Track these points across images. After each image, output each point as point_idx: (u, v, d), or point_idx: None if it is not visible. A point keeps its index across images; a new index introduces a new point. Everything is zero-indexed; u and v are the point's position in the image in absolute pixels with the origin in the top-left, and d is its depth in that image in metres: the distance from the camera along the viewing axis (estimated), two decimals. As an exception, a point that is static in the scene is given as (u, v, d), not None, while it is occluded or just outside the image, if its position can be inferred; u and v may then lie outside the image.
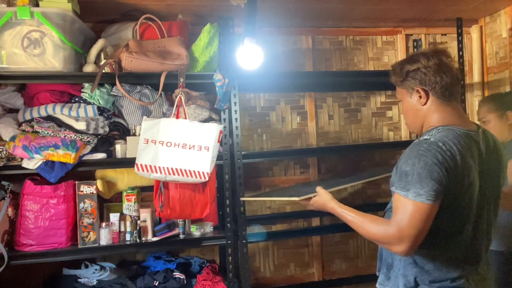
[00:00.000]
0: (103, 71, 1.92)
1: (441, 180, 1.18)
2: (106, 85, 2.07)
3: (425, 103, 1.32)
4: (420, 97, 1.32)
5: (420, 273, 1.30)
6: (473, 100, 2.87)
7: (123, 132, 2.15)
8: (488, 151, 1.32)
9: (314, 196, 1.53)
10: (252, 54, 2.05)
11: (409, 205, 1.19)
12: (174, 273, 2.21)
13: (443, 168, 1.18)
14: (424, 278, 1.30)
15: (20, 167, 1.89)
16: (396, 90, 1.42)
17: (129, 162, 1.97)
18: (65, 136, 1.95)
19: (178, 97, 1.98)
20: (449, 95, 1.31)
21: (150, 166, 1.90)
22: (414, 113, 1.36)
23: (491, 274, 1.40)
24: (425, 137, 1.25)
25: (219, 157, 2.05)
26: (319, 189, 1.53)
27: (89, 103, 2.04)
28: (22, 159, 1.89)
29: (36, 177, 1.98)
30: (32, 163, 1.88)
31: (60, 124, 1.99)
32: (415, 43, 2.78)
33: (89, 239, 1.99)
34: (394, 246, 1.22)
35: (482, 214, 1.31)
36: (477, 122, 2.02)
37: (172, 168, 1.91)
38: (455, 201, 1.23)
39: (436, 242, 1.28)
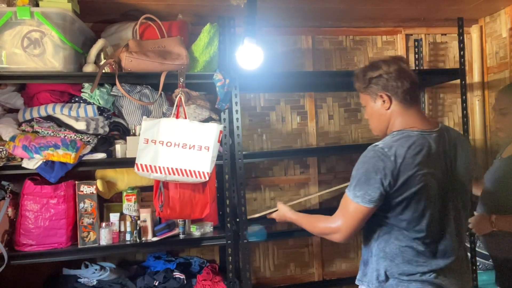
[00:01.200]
0: (103, 71, 1.92)
1: (378, 186, 1.30)
2: (106, 85, 2.07)
3: (389, 108, 1.41)
4: (384, 102, 1.41)
5: (390, 267, 1.39)
6: (473, 100, 2.87)
7: (123, 132, 2.15)
8: (449, 147, 1.40)
9: (276, 210, 1.79)
10: (252, 54, 2.05)
11: (348, 203, 1.37)
12: (174, 273, 2.21)
13: (383, 174, 1.30)
14: (394, 271, 1.38)
15: (20, 167, 1.89)
16: (360, 96, 1.51)
17: (129, 162, 1.96)
18: (65, 136, 1.95)
19: (178, 97, 1.98)
20: (410, 99, 1.40)
21: (150, 166, 1.90)
22: (378, 117, 1.45)
23: (468, 272, 1.49)
24: (377, 143, 1.37)
25: (219, 157, 2.05)
26: (278, 204, 1.79)
27: (89, 103, 2.04)
28: (22, 159, 1.89)
29: (36, 177, 1.98)
30: (32, 163, 1.88)
31: (60, 124, 1.99)
32: (416, 42, 2.78)
33: (89, 239, 1.99)
34: (332, 236, 1.41)
35: (447, 209, 1.39)
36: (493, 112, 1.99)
37: (172, 168, 1.91)
38: (408, 199, 1.32)
39: (402, 237, 1.37)
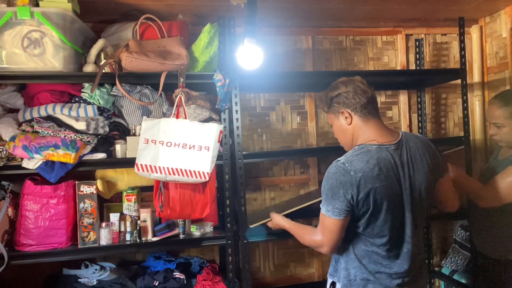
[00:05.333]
0: (103, 71, 1.92)
1: (343, 200, 1.40)
2: (106, 85, 2.07)
3: (350, 123, 1.54)
4: (346, 118, 1.54)
5: (359, 267, 1.51)
6: (473, 100, 2.87)
7: (123, 132, 2.15)
8: (408, 156, 1.48)
9: (270, 220, 1.93)
10: (252, 54, 2.05)
11: (323, 218, 1.48)
12: (174, 273, 2.21)
13: (345, 189, 1.40)
14: (362, 271, 1.50)
15: (20, 167, 1.89)
16: (327, 116, 1.66)
17: (129, 162, 1.96)
18: (65, 136, 1.95)
19: (178, 97, 1.98)
20: (368, 113, 1.52)
21: (150, 166, 1.90)
22: (344, 133, 1.58)
23: (425, 276, 1.63)
24: (339, 158, 1.47)
25: (219, 157, 2.05)
26: (271, 214, 1.92)
27: (89, 103, 2.04)
28: (22, 159, 1.89)
29: (36, 177, 1.98)
30: (32, 163, 1.88)
31: (60, 124, 1.99)
32: (417, 42, 2.78)
33: (89, 239, 1.99)
34: (319, 249, 1.53)
35: (405, 216, 1.48)
36: (488, 123, 2.01)
37: (172, 168, 1.91)
38: (370, 211, 1.42)
39: (369, 243, 1.49)
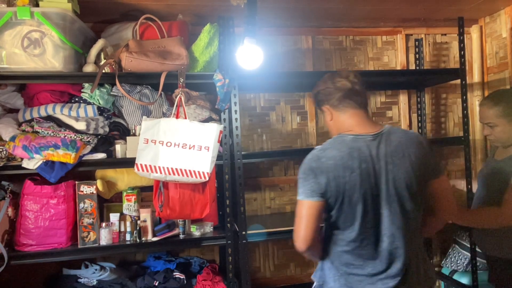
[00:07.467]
0: (103, 71, 1.92)
1: (314, 181, 1.40)
2: (106, 85, 2.07)
3: (332, 118, 1.56)
4: (328, 114, 1.56)
5: (331, 269, 1.49)
6: (473, 100, 2.88)
7: (123, 132, 2.15)
8: (386, 150, 1.43)
9: None
10: (252, 54, 2.05)
11: (298, 204, 1.45)
12: (174, 273, 2.21)
13: (315, 174, 1.40)
14: (333, 273, 1.48)
15: (20, 167, 1.89)
16: None
17: (129, 162, 1.96)
18: (65, 136, 1.95)
19: (178, 97, 1.98)
20: (347, 106, 1.51)
21: (150, 166, 1.90)
22: (331, 127, 1.60)
23: (427, 283, 1.50)
24: (316, 146, 1.50)
25: (219, 157, 2.05)
26: None
27: (89, 103, 2.04)
28: (22, 159, 1.89)
29: (36, 177, 1.98)
30: (32, 163, 1.88)
31: (60, 124, 1.99)
32: (416, 42, 2.78)
33: (89, 239, 1.99)
34: (295, 244, 1.47)
35: (381, 213, 1.42)
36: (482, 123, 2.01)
37: (172, 168, 1.91)
38: (338, 200, 1.40)
39: (339, 241, 1.46)
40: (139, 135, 2.01)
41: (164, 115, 2.17)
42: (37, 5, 1.87)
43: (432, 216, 1.56)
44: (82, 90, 2.03)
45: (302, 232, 1.43)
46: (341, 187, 1.39)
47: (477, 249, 2.40)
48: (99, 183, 2.05)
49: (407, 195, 1.42)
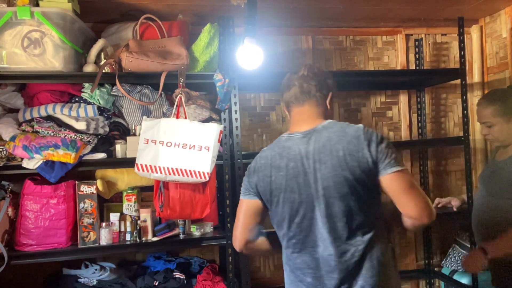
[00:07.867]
0: (103, 71, 1.92)
1: (247, 182, 1.46)
2: (106, 85, 2.07)
3: (290, 118, 1.52)
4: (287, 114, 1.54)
5: (286, 275, 1.46)
6: (473, 100, 2.87)
7: (123, 132, 2.15)
8: (316, 148, 1.33)
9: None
10: (252, 54, 2.05)
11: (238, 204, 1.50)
12: (174, 273, 2.21)
13: (250, 172, 1.46)
14: (286, 279, 1.46)
15: (20, 167, 1.89)
16: None
17: (129, 162, 1.96)
18: (65, 136, 1.95)
19: (178, 97, 1.98)
20: (293, 105, 1.47)
21: (150, 166, 1.90)
22: None
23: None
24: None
25: (219, 157, 2.05)
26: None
27: (89, 103, 2.04)
28: (22, 159, 1.89)
29: (36, 177, 1.98)
30: (32, 163, 1.88)
31: (60, 124, 1.99)
32: (416, 42, 2.78)
33: (89, 239, 1.99)
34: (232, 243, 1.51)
35: (314, 214, 1.32)
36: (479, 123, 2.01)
37: (172, 168, 1.91)
38: (269, 200, 1.41)
39: (283, 245, 1.44)
40: (139, 135, 2.01)
41: (164, 115, 2.17)
42: (37, 5, 1.87)
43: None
44: (82, 90, 2.03)
45: (238, 230, 1.46)
46: (267, 186, 1.39)
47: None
48: (99, 183, 2.05)
49: (336, 195, 1.29)
